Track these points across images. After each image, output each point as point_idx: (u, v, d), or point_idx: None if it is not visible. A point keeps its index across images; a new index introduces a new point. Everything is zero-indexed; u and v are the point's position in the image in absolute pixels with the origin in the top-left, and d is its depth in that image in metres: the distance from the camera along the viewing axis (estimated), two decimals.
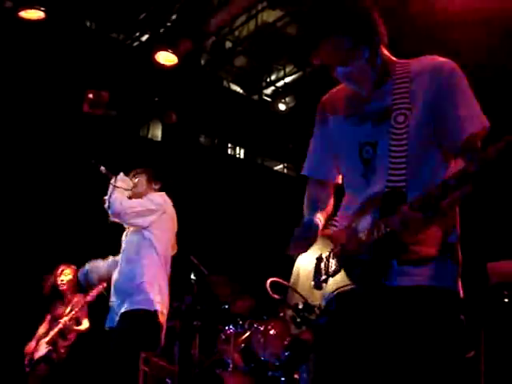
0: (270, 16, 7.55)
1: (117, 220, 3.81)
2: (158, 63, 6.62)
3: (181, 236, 4.13)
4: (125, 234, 3.93)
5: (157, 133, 8.66)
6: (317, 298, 2.02)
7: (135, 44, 7.66)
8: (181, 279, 5.25)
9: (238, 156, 9.88)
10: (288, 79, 8.59)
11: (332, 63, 1.94)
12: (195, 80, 7.93)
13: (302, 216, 2.18)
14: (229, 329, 5.00)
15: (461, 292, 1.90)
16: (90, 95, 4.14)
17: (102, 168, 3.82)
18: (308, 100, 8.05)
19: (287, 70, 8.50)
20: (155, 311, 3.52)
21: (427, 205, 1.70)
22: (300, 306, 2.04)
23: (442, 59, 1.93)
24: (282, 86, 8.74)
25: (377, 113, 1.95)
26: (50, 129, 6.85)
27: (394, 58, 2.03)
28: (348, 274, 1.91)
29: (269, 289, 4.35)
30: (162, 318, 3.60)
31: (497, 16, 5.04)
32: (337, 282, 1.95)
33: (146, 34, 7.52)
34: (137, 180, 3.97)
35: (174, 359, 5.01)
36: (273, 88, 8.87)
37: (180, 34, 6.47)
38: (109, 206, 3.71)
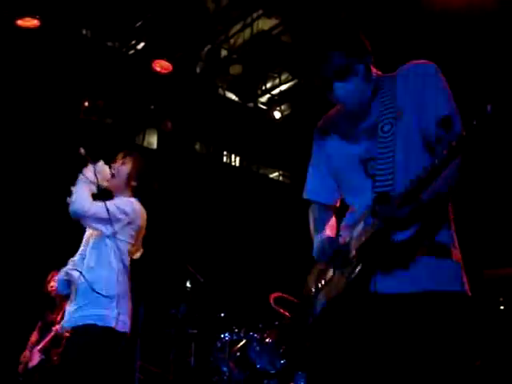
0: (265, 24, 7.57)
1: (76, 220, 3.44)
2: (154, 71, 6.64)
3: (176, 244, 4.09)
4: (88, 232, 3.58)
5: (152, 141, 8.66)
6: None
7: (131, 52, 7.67)
8: (177, 287, 5.24)
9: (233, 164, 9.89)
10: (283, 87, 8.60)
11: (333, 80, 1.96)
12: (191, 88, 7.94)
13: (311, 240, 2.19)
14: (224, 337, 4.99)
15: (468, 292, 1.88)
16: (86, 103, 4.07)
17: (82, 150, 3.53)
18: (303, 108, 8.07)
19: (282, 77, 8.52)
20: (108, 327, 3.34)
21: (405, 200, 1.71)
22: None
23: (421, 61, 1.99)
24: (277, 94, 8.75)
25: (370, 128, 1.99)
26: (46, 136, 6.84)
27: (380, 73, 2.08)
28: (337, 281, 1.91)
29: (273, 304, 4.34)
30: (124, 328, 3.41)
31: None
32: (329, 289, 1.96)
33: (142, 42, 7.53)
34: (122, 167, 3.65)
35: (170, 367, 4.99)
36: (268, 96, 8.88)
37: (176, 43, 6.49)
38: (71, 203, 3.35)
